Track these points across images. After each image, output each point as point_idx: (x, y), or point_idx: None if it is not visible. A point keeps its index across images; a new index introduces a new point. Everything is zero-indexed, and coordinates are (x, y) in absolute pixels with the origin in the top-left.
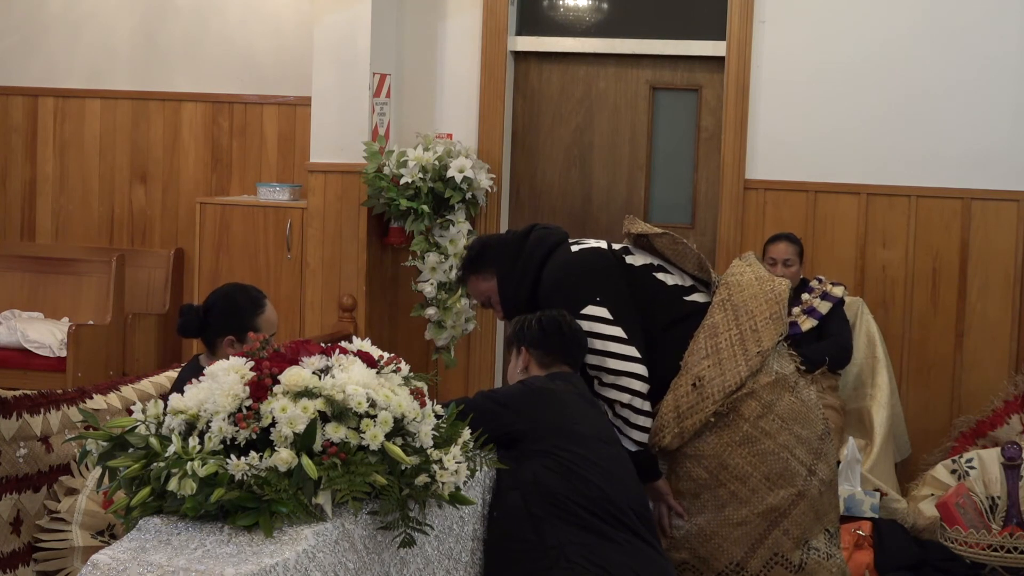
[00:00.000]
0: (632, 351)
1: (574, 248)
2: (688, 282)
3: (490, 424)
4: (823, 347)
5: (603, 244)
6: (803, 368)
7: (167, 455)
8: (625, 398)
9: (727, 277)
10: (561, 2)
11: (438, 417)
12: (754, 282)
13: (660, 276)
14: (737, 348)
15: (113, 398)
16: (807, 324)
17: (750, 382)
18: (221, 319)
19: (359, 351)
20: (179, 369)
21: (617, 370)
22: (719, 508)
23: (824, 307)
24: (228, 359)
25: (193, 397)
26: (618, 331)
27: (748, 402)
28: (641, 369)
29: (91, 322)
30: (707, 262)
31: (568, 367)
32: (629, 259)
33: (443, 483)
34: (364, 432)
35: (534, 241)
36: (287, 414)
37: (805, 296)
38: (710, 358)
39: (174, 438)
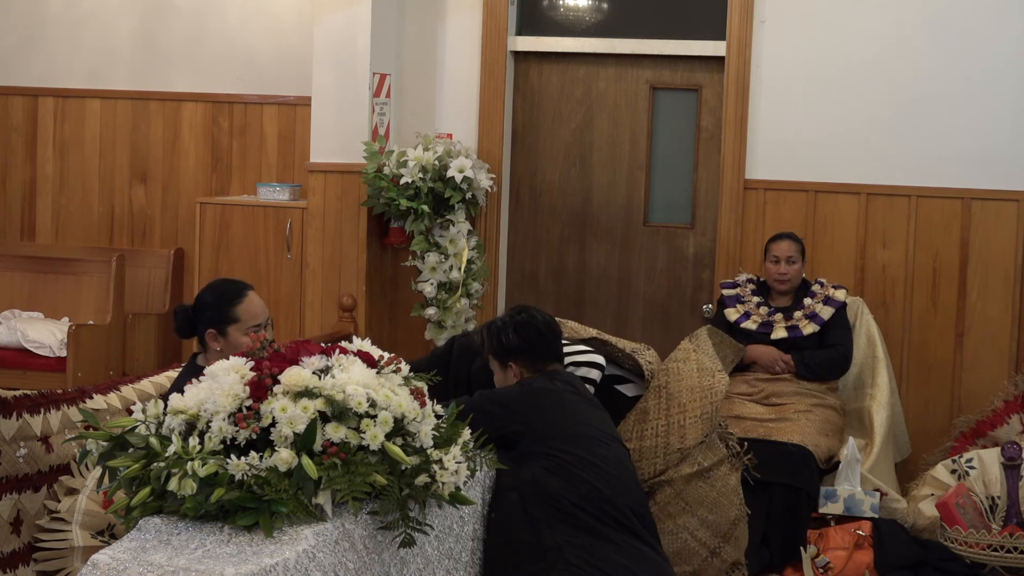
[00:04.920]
0: (580, 346)
1: None
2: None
3: (490, 425)
4: (824, 356)
5: None
6: (799, 374)
7: (167, 455)
8: (595, 374)
9: (669, 363)
10: (561, 2)
11: (438, 417)
12: (695, 373)
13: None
14: (660, 440)
15: (113, 398)
16: (808, 329)
17: (671, 471)
18: (201, 313)
19: (359, 351)
20: (179, 368)
21: (577, 362)
22: None
23: (826, 312)
24: (217, 351)
25: (193, 397)
26: None
27: (664, 488)
28: (599, 359)
29: (91, 322)
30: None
31: (558, 363)
32: None
33: (443, 483)
34: (364, 432)
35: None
36: (287, 414)
37: (807, 301)
38: (633, 442)
39: (174, 438)
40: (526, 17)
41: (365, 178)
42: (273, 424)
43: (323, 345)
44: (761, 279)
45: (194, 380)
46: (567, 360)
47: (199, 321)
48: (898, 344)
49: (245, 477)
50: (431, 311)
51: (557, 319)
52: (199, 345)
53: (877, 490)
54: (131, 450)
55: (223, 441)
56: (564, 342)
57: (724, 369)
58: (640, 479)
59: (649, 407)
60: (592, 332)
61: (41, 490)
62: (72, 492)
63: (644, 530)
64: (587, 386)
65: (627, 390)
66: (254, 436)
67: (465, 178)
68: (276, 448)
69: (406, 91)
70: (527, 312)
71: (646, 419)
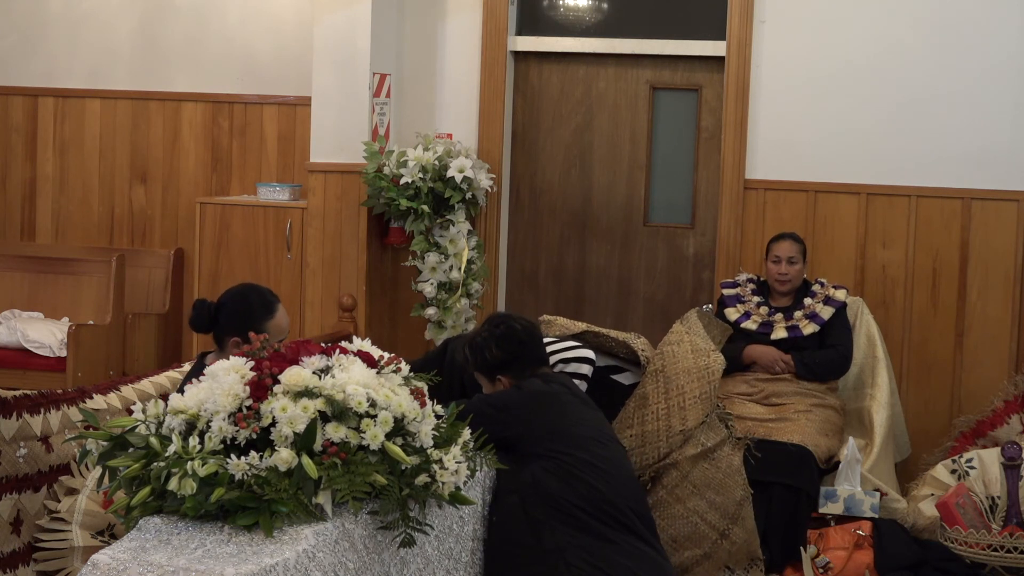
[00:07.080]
0: (568, 342)
1: None
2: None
3: (489, 428)
4: (824, 356)
5: None
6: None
7: (167, 455)
8: (586, 368)
9: (663, 346)
10: (561, 2)
11: (438, 417)
12: (689, 354)
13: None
14: (662, 423)
15: (113, 398)
16: (809, 329)
17: (675, 454)
18: (230, 319)
19: (359, 351)
20: (179, 368)
21: (566, 358)
22: None
23: (827, 312)
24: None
25: (193, 397)
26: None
27: (670, 471)
28: (589, 353)
29: (91, 322)
30: (630, 345)
31: (544, 367)
32: None
33: (443, 483)
34: (364, 432)
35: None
36: (287, 414)
37: (808, 301)
38: (635, 428)
39: (174, 438)
40: (526, 17)
41: (365, 178)
42: (273, 424)
43: (323, 345)
44: (761, 279)
45: (195, 380)
46: (557, 357)
47: (226, 325)
48: (898, 344)
49: (245, 477)
50: (431, 311)
51: (547, 316)
52: (215, 344)
53: (877, 490)
54: (131, 450)
55: (223, 441)
56: (552, 340)
57: (716, 349)
58: (646, 463)
59: (648, 392)
60: (583, 326)
61: (41, 490)
62: (72, 492)
63: (644, 530)
64: (580, 380)
65: (624, 379)
66: (254, 436)
67: (465, 178)
68: (276, 448)
69: (406, 91)
70: (505, 323)
71: (646, 404)
